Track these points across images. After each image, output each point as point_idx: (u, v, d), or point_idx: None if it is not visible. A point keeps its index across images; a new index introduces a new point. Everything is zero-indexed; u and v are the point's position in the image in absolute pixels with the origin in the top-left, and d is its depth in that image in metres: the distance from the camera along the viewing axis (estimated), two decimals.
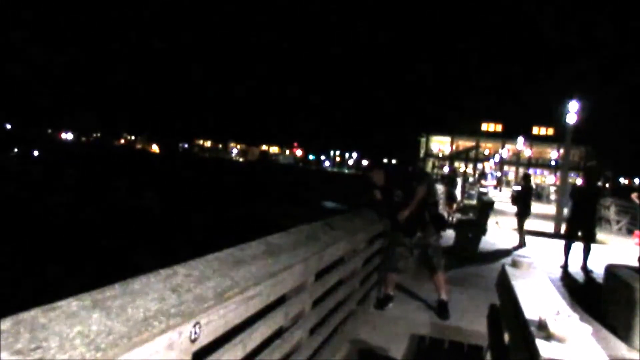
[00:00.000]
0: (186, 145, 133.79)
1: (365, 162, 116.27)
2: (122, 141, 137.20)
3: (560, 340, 1.53)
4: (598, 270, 7.48)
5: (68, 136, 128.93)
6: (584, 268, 8.23)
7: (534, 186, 18.35)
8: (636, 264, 5.68)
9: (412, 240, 4.98)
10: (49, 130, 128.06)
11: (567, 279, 7.75)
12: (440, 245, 5.15)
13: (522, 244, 10.41)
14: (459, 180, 18.63)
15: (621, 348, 4.71)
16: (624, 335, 4.84)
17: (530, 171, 34.89)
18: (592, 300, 5.96)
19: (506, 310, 2.45)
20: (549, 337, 1.55)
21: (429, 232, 4.96)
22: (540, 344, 1.53)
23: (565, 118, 14.07)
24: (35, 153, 57.03)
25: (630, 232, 14.27)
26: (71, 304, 1.20)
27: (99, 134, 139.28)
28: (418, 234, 4.95)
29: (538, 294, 2.20)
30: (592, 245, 8.45)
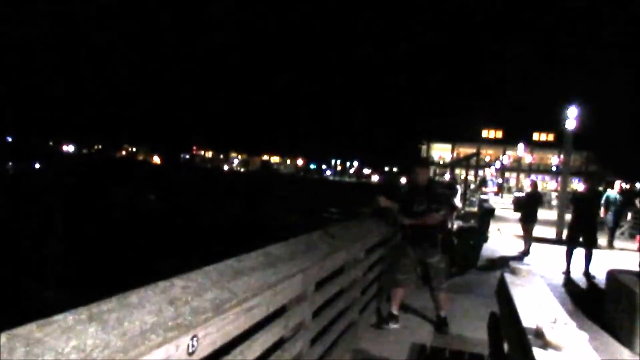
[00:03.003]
0: (187, 156, 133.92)
1: (366, 171, 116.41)
2: (124, 153, 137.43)
3: (556, 348, 1.53)
4: (600, 275, 7.46)
5: (69, 148, 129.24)
6: (586, 274, 8.20)
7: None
8: (638, 269, 5.65)
9: (416, 255, 4.81)
10: (50, 143, 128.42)
11: (569, 284, 7.72)
12: (444, 267, 4.93)
13: (527, 250, 10.39)
14: (459, 188, 18.59)
15: (623, 353, 4.68)
16: (627, 340, 4.82)
17: (532, 177, 34.91)
18: (595, 306, 5.94)
19: (505, 318, 2.45)
20: (545, 345, 1.55)
21: (434, 252, 4.77)
22: (537, 352, 1.53)
23: (565, 124, 14.07)
24: (37, 165, 57.01)
25: (632, 236, 14.22)
26: (67, 318, 1.20)
27: (100, 146, 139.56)
28: (422, 252, 4.77)
29: (536, 301, 2.19)
30: (594, 251, 8.42)
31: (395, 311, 4.90)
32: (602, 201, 12.04)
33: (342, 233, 3.91)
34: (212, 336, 1.65)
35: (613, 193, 12.22)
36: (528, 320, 1.82)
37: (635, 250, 11.15)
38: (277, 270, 2.37)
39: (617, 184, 12.79)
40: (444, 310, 4.89)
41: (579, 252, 8.35)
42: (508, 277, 2.68)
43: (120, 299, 1.42)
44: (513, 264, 2.94)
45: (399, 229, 5.03)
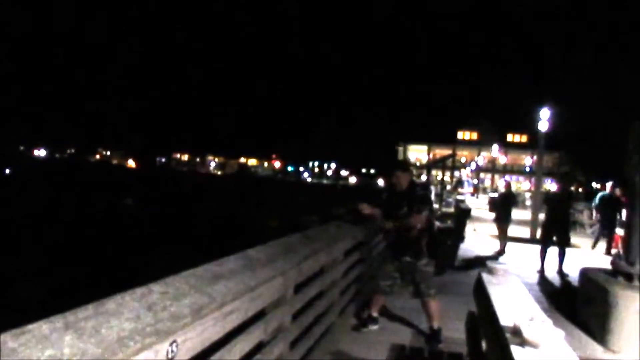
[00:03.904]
0: (163, 160, 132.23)
1: (344, 172, 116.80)
2: (98, 157, 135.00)
3: (533, 345, 1.56)
4: (573, 274, 7.61)
5: (41, 153, 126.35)
6: (560, 272, 8.37)
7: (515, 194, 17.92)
8: (610, 267, 5.79)
9: (401, 261, 4.64)
10: (21, 147, 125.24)
11: (543, 283, 7.87)
12: (431, 270, 4.71)
13: (503, 249, 10.54)
14: (432, 188, 18.83)
15: (597, 350, 4.79)
16: (600, 337, 4.93)
17: (506, 177, 35.53)
18: (569, 303, 6.06)
19: (483, 317, 2.48)
20: (523, 343, 1.58)
21: (419, 256, 4.59)
22: (514, 350, 1.55)
23: (538, 125, 14.34)
24: (7, 171, 55.49)
25: (604, 236, 14.49)
26: (42, 326, 1.18)
27: (73, 150, 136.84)
28: (407, 259, 4.60)
29: (513, 300, 2.23)
30: (567, 249, 8.60)
31: (374, 313, 4.89)
32: (597, 202, 11.86)
33: (320, 235, 3.92)
34: (191, 341, 1.63)
35: (606, 193, 11.84)
36: (505, 318, 1.85)
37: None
38: (256, 274, 2.35)
39: (609, 185, 11.92)
40: (436, 321, 4.61)
41: (553, 251, 8.52)
42: (485, 277, 2.72)
43: (97, 306, 1.39)
44: (489, 263, 2.99)
45: (383, 235, 4.91)
